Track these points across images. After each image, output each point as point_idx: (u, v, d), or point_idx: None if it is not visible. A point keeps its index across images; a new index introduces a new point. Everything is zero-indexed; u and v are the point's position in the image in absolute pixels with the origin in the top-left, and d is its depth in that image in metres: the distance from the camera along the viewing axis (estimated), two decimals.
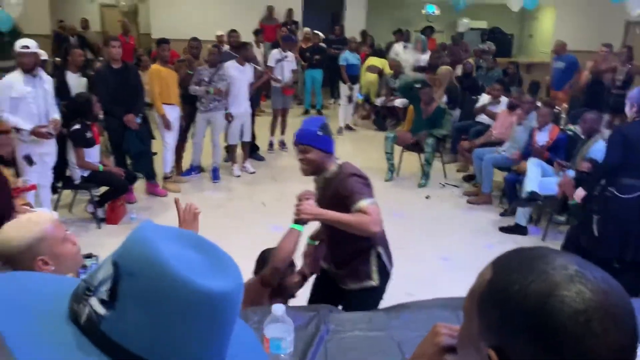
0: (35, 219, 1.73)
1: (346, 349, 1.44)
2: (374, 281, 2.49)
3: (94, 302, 0.64)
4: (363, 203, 2.26)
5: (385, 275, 2.56)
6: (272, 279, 2.26)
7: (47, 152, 4.66)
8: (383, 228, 2.36)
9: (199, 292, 0.63)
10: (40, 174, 4.63)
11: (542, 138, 5.37)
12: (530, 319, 0.60)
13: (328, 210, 2.24)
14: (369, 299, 2.43)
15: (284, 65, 7.34)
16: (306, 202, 2.26)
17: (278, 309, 1.35)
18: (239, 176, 6.56)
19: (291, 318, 1.39)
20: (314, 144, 2.44)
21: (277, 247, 2.27)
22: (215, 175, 6.41)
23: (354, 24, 11.71)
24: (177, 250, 0.66)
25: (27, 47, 4.46)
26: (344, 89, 8.78)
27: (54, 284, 0.74)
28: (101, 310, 0.64)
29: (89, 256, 1.89)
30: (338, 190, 2.36)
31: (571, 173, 4.84)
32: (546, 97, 8.16)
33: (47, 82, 4.64)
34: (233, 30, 7.34)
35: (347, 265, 2.52)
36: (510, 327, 0.62)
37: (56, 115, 4.72)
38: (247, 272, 3.42)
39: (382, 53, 10.07)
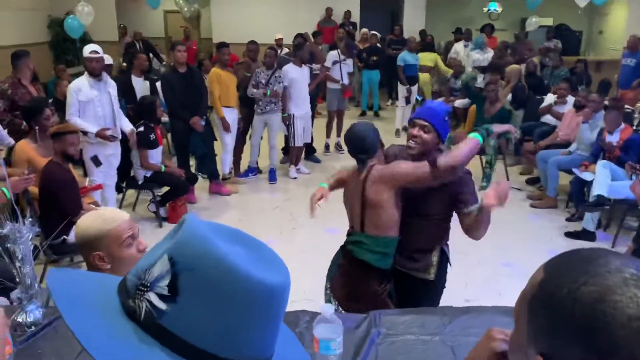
0: (107, 216, 1.79)
1: (398, 352, 1.39)
2: (431, 275, 2.47)
3: (152, 297, 0.65)
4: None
5: (444, 272, 2.50)
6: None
7: (112, 153, 4.85)
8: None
9: (258, 284, 0.65)
10: (105, 174, 4.83)
11: (613, 139, 5.08)
12: (580, 325, 0.56)
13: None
14: (423, 290, 2.43)
15: (342, 67, 7.32)
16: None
17: (327, 309, 1.32)
18: (295, 178, 6.59)
19: (341, 320, 1.36)
20: (437, 127, 2.33)
21: (459, 151, 2.24)
22: (272, 177, 6.47)
23: (413, 23, 11.55)
24: (229, 246, 0.67)
25: (96, 52, 4.65)
26: (401, 90, 8.66)
27: (100, 280, 0.76)
28: (161, 305, 0.65)
29: None
30: (450, 183, 2.30)
31: None
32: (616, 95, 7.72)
33: (111, 86, 4.83)
34: (299, 35, 7.37)
35: (412, 251, 2.49)
36: (560, 333, 0.58)
37: (124, 122, 4.92)
38: (301, 271, 3.43)
39: (431, 47, 9.82)
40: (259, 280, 0.65)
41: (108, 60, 5.68)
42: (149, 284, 0.66)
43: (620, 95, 7.62)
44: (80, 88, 4.60)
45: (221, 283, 0.64)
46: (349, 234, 2.63)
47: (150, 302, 0.65)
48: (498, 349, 0.77)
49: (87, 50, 4.66)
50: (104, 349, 0.62)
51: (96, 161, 4.70)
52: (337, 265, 2.59)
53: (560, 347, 0.58)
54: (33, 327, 1.51)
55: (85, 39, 9.10)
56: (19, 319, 1.50)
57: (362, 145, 2.42)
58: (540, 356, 0.60)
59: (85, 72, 4.69)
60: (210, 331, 0.64)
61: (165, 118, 5.94)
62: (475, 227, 2.29)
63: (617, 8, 12.10)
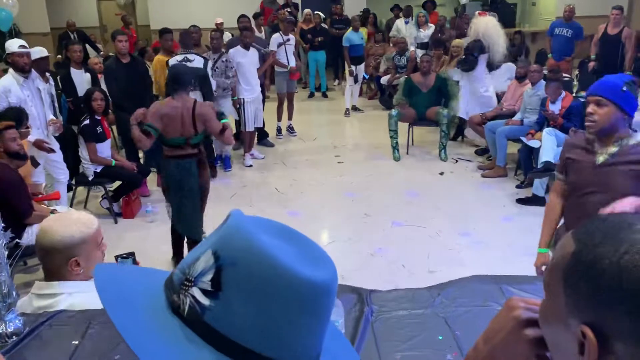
0: (84, 220, 1.76)
1: (394, 328, 1.42)
2: None
3: (196, 292, 0.63)
4: None
5: None
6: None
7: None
8: None
9: (303, 281, 0.63)
10: (53, 169, 4.70)
11: (556, 108, 5.30)
12: (629, 294, 0.57)
13: None
14: None
15: (287, 48, 7.25)
16: None
17: None
18: (250, 166, 6.50)
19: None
20: (614, 99, 2.17)
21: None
22: (227, 164, 6.37)
23: (354, 2, 11.56)
24: (274, 241, 0.65)
25: (25, 46, 4.40)
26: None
27: (148, 275, 0.74)
28: (205, 300, 0.63)
29: (131, 254, 1.92)
30: None
31: None
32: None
33: (38, 82, 4.60)
34: (243, 16, 7.20)
35: None
36: (606, 303, 0.59)
37: (51, 115, 4.70)
38: None
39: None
40: (303, 277, 0.63)
41: (43, 52, 5.39)
42: (193, 279, 0.64)
43: (555, 65, 7.82)
44: (9, 89, 4.32)
45: (264, 278, 0.62)
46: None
47: (194, 298, 0.63)
48: (522, 316, 0.76)
49: (15, 45, 4.40)
50: (149, 348, 0.60)
51: (34, 162, 4.50)
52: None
53: (609, 317, 0.59)
54: (14, 337, 1.44)
55: (13, 32, 8.63)
56: None
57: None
58: (586, 326, 0.60)
59: (11, 70, 4.43)
60: (253, 328, 0.62)
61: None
62: None
63: None
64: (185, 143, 3.68)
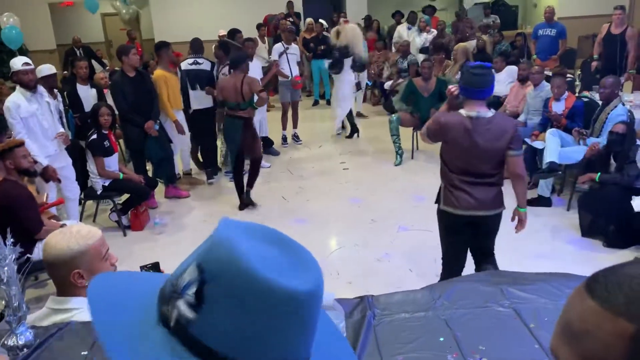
0: (84, 233, 1.79)
1: (396, 331, 1.44)
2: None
3: (181, 305, 0.64)
4: None
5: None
6: None
7: (62, 166, 4.70)
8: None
9: (282, 292, 0.63)
10: (64, 188, 4.73)
11: (559, 108, 5.31)
12: None
13: None
14: None
15: (289, 57, 7.30)
16: None
17: (327, 296, 1.34)
18: None
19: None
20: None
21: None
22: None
23: (356, 9, 11.62)
24: (258, 249, 0.65)
25: (29, 63, 4.49)
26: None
27: (147, 282, 0.74)
28: (189, 313, 0.63)
29: (155, 265, 1.94)
30: None
31: (590, 140, 4.80)
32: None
33: (46, 96, 4.69)
34: (237, 31, 7.29)
35: None
36: None
37: (61, 129, 4.79)
38: None
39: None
40: (285, 287, 0.63)
41: (52, 70, 5.48)
42: (180, 291, 0.65)
43: (542, 65, 7.81)
44: (19, 104, 4.42)
45: (244, 290, 0.62)
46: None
47: (180, 310, 0.64)
48: None
49: (19, 62, 4.49)
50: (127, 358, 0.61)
51: (45, 177, 4.56)
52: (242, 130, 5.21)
53: None
54: (25, 349, 1.47)
55: (21, 49, 8.75)
56: (10, 343, 1.47)
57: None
58: None
59: (18, 87, 4.52)
60: (237, 339, 0.63)
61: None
62: None
63: None
64: (236, 106, 5.15)
